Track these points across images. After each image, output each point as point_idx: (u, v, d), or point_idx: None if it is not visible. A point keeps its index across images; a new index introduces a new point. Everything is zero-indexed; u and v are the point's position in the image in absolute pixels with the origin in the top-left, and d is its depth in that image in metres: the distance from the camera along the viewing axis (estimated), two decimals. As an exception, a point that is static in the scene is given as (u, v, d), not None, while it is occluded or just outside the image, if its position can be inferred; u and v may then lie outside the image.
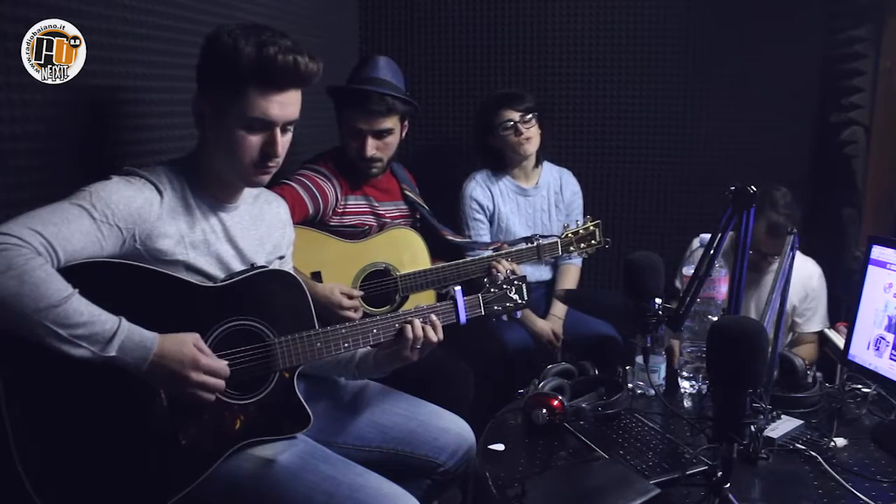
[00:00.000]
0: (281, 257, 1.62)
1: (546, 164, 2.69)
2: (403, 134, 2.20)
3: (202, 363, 1.27)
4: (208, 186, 1.44)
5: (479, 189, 2.58)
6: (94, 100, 1.56)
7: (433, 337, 1.54)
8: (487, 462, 1.48)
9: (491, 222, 2.61)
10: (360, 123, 2.08)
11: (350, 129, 2.10)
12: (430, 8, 3.07)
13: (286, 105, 1.38)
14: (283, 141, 1.41)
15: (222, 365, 1.31)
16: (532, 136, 2.51)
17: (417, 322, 1.53)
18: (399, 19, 3.10)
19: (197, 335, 1.29)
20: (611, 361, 2.08)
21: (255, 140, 1.37)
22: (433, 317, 1.55)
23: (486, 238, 2.56)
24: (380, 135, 2.10)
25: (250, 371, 1.39)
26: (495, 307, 1.71)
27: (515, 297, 1.74)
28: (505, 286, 1.72)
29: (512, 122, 2.48)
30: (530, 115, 2.50)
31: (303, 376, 1.60)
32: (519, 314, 1.77)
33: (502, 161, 2.60)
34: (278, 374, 1.44)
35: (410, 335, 1.52)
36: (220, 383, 1.30)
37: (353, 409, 1.69)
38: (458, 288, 1.64)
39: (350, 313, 1.89)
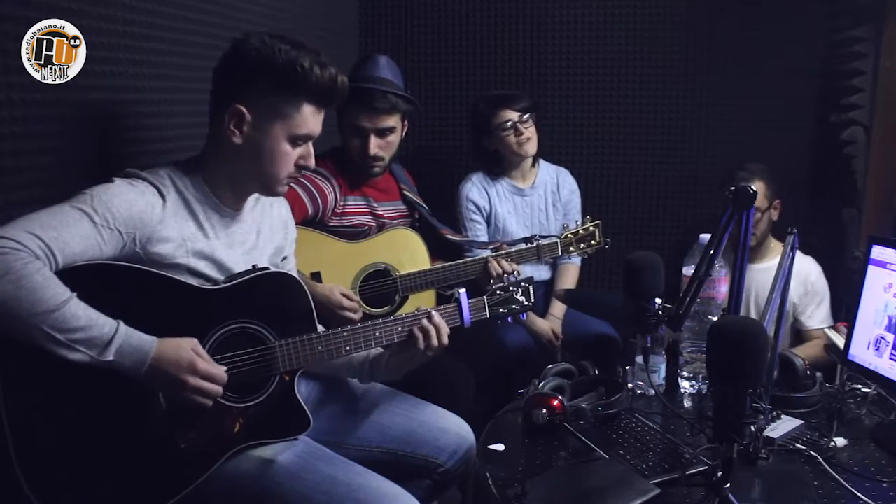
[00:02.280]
0: (283, 258, 1.62)
1: (543, 164, 2.68)
2: (403, 133, 2.20)
3: (199, 368, 1.26)
4: (217, 191, 1.43)
5: (476, 190, 2.58)
6: (95, 100, 1.56)
7: (444, 340, 1.55)
8: (487, 462, 1.48)
9: (488, 223, 2.60)
10: (364, 121, 2.08)
11: (353, 127, 2.10)
12: (430, 8, 3.07)
13: (321, 122, 1.44)
14: None
15: (220, 371, 1.30)
16: (531, 136, 2.51)
17: (427, 324, 1.53)
18: (399, 19, 3.10)
19: (195, 340, 1.29)
20: (610, 361, 2.08)
21: (294, 153, 1.41)
22: (437, 318, 1.55)
23: (484, 239, 2.56)
24: (383, 133, 2.10)
25: (250, 374, 1.39)
26: (500, 310, 1.70)
27: (521, 298, 1.72)
28: (511, 288, 1.71)
29: (511, 123, 2.47)
30: (528, 115, 2.49)
31: (305, 376, 1.60)
32: (525, 316, 1.76)
33: (499, 163, 2.60)
34: (278, 376, 1.44)
35: (421, 344, 1.52)
36: (218, 389, 1.30)
37: (353, 410, 1.69)
38: (462, 291, 1.63)
39: (350, 314, 1.89)
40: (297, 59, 1.34)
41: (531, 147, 2.52)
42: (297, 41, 1.38)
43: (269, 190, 1.46)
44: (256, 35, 1.37)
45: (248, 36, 1.38)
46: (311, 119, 1.39)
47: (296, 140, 1.40)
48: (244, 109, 1.36)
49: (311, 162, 1.44)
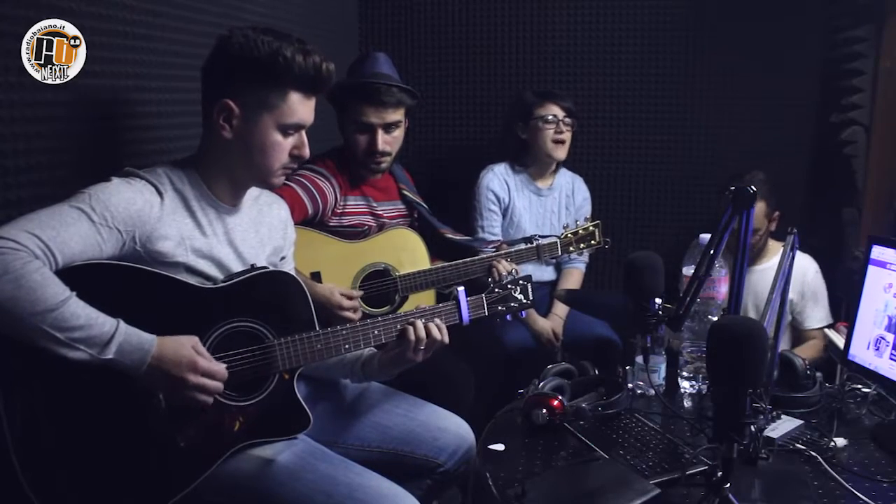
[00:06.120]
0: (282, 258, 1.62)
1: (562, 170, 2.72)
2: (405, 130, 2.20)
3: (200, 365, 1.26)
4: (213, 188, 1.43)
5: (497, 181, 2.60)
6: (94, 100, 1.55)
7: (437, 336, 1.53)
8: (487, 462, 1.48)
9: (504, 215, 2.62)
10: (371, 117, 2.08)
11: (359, 124, 2.10)
12: (430, 8, 3.07)
13: (312, 110, 1.43)
14: None
15: (220, 368, 1.30)
16: (567, 140, 2.54)
17: (419, 323, 1.53)
18: (399, 19, 3.10)
19: (196, 338, 1.29)
20: (610, 362, 2.08)
21: (287, 143, 1.41)
22: (436, 318, 1.55)
23: (497, 231, 2.58)
24: (389, 128, 2.11)
25: (250, 372, 1.39)
26: (499, 307, 1.70)
27: (520, 296, 1.73)
28: (510, 286, 1.71)
29: (555, 117, 2.51)
30: (570, 119, 2.53)
31: (303, 377, 1.60)
32: (524, 314, 1.76)
33: (526, 154, 2.61)
34: (278, 375, 1.44)
35: (412, 337, 1.51)
36: (218, 386, 1.30)
37: (353, 410, 1.69)
38: (461, 288, 1.63)
39: (349, 314, 1.89)
40: (279, 50, 1.34)
41: (562, 152, 2.56)
42: (282, 33, 1.38)
43: (265, 182, 1.46)
44: (240, 30, 1.37)
45: (231, 32, 1.38)
46: (299, 107, 1.39)
47: (286, 129, 1.40)
48: (232, 104, 1.37)
49: (306, 152, 1.43)
